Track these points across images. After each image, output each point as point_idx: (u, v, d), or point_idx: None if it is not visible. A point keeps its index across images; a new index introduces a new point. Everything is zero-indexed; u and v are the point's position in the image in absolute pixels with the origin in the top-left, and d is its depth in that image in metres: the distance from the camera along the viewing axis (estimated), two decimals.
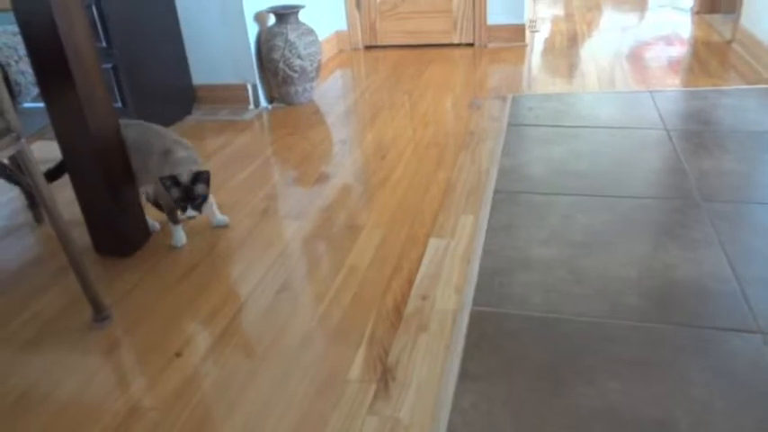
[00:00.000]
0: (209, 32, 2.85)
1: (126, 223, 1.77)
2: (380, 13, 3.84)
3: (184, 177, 1.63)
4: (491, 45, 3.75)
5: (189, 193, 1.63)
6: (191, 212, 1.64)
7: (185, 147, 1.74)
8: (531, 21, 4.31)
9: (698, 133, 2.28)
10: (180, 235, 1.81)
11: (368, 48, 3.94)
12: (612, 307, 1.40)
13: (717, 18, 4.11)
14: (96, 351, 1.41)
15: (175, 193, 1.63)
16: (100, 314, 1.49)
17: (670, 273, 1.50)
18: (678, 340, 1.29)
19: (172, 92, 2.84)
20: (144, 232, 1.84)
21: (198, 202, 1.65)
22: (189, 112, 2.93)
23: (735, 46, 3.43)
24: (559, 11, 4.83)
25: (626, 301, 1.41)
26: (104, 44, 2.42)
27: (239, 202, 2.05)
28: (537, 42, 3.84)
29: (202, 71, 2.95)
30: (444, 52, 3.72)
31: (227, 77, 2.94)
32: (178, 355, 1.36)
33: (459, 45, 3.82)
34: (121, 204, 1.74)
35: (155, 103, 2.69)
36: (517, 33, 3.71)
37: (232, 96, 2.96)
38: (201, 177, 1.65)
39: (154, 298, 1.58)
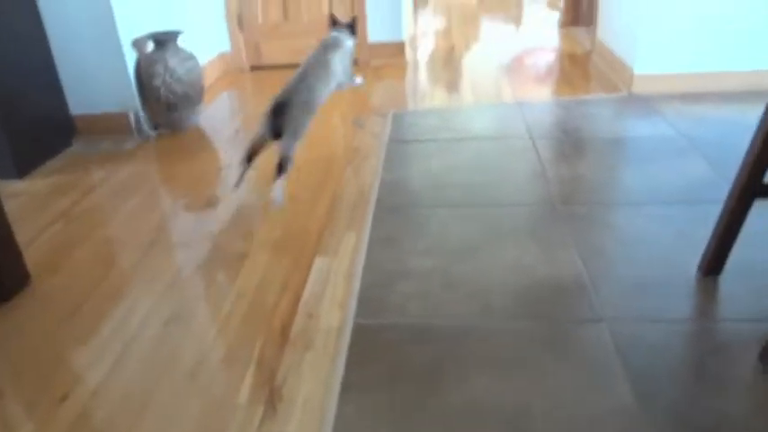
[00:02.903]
0: (84, 61, 2.79)
1: None
2: (263, 33, 3.89)
3: None
4: (373, 62, 3.89)
5: None
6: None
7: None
8: (412, 37, 4.50)
9: (558, 141, 2.51)
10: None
11: (253, 68, 3.97)
12: (482, 309, 1.53)
13: (579, 31, 4.48)
14: None
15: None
16: None
17: (531, 273, 1.66)
18: (537, 334, 1.43)
19: (47, 124, 2.75)
20: (22, 274, 1.79)
21: None
22: (69, 144, 2.85)
23: (594, 57, 3.76)
24: (439, 25, 5.07)
25: (494, 302, 1.55)
26: None
27: (125, 236, 2.04)
28: (417, 58, 4.02)
29: (81, 101, 2.88)
30: None
31: (107, 106, 2.89)
32: (63, 399, 1.36)
33: None
34: None
35: (28, 138, 2.60)
36: (397, 50, 3.88)
37: (114, 125, 2.91)
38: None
39: (36, 343, 1.55)
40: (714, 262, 1.60)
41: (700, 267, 1.63)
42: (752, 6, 2.80)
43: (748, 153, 1.43)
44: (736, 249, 1.57)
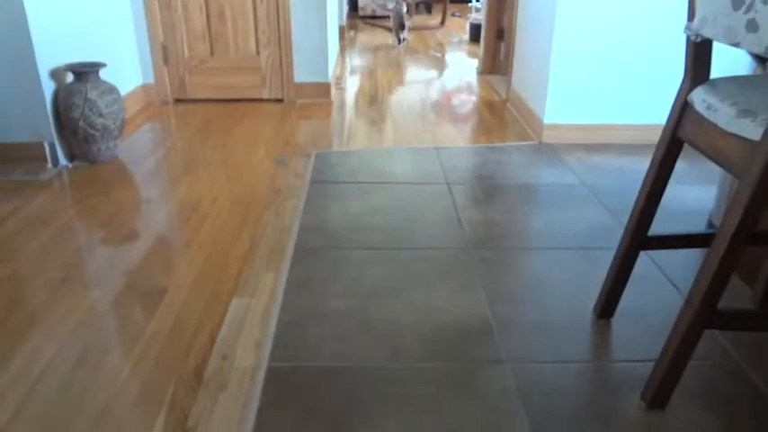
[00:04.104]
0: None
1: None
2: (189, 67, 3.89)
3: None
4: (299, 101, 3.96)
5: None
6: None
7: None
8: (337, 78, 4.61)
9: (473, 187, 2.64)
10: None
11: (177, 101, 3.95)
12: (393, 351, 1.59)
13: (496, 79, 4.73)
14: None
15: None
16: None
17: (441, 315, 1.74)
18: (444, 376, 1.51)
19: None
20: None
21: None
22: None
23: (509, 105, 3.98)
24: (365, 67, 5.22)
25: (404, 344, 1.62)
26: None
27: (35, 272, 1.98)
28: (342, 99, 4.13)
29: None
30: (255, 107, 3.86)
31: (20, 136, 2.80)
32: None
33: (269, 100, 3.98)
34: None
35: None
36: (323, 90, 3.97)
37: (27, 155, 2.82)
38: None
39: None
40: (607, 305, 1.74)
41: (594, 310, 1.77)
42: (649, 66, 3.07)
43: (633, 209, 1.58)
44: (626, 294, 1.71)
